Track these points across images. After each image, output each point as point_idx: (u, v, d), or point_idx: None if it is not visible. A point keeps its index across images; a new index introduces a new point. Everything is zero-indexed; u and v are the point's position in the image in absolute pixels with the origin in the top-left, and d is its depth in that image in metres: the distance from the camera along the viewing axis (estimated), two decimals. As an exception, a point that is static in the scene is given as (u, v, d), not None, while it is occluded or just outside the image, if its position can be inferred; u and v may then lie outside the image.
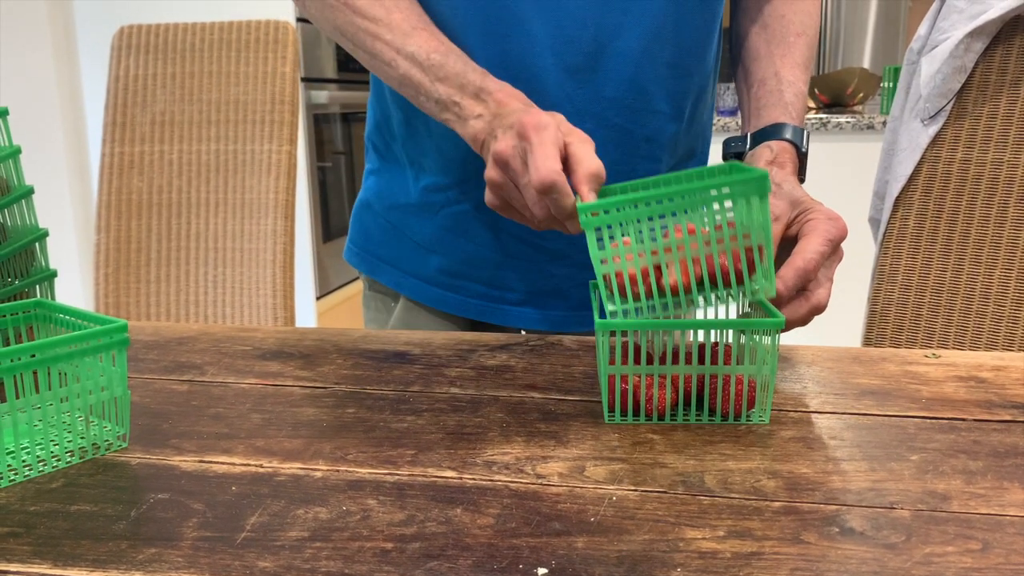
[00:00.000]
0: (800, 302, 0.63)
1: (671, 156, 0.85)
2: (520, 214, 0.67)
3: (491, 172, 0.66)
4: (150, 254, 1.51)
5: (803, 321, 0.64)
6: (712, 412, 0.58)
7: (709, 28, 0.81)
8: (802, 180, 0.79)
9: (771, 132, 0.79)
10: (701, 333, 0.58)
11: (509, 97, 0.68)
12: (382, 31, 0.73)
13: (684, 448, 0.53)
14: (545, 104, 0.74)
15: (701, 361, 0.57)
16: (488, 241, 0.85)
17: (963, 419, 0.57)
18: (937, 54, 1.07)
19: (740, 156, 0.82)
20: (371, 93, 0.92)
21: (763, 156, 0.77)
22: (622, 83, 0.78)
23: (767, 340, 0.56)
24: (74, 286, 2.52)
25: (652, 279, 0.56)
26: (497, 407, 0.60)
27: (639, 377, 0.57)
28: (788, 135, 0.78)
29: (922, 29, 1.10)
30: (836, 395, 0.62)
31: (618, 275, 0.56)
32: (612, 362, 0.56)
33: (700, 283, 0.56)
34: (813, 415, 0.58)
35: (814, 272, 0.63)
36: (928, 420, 0.57)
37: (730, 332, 0.58)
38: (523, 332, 0.89)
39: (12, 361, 0.49)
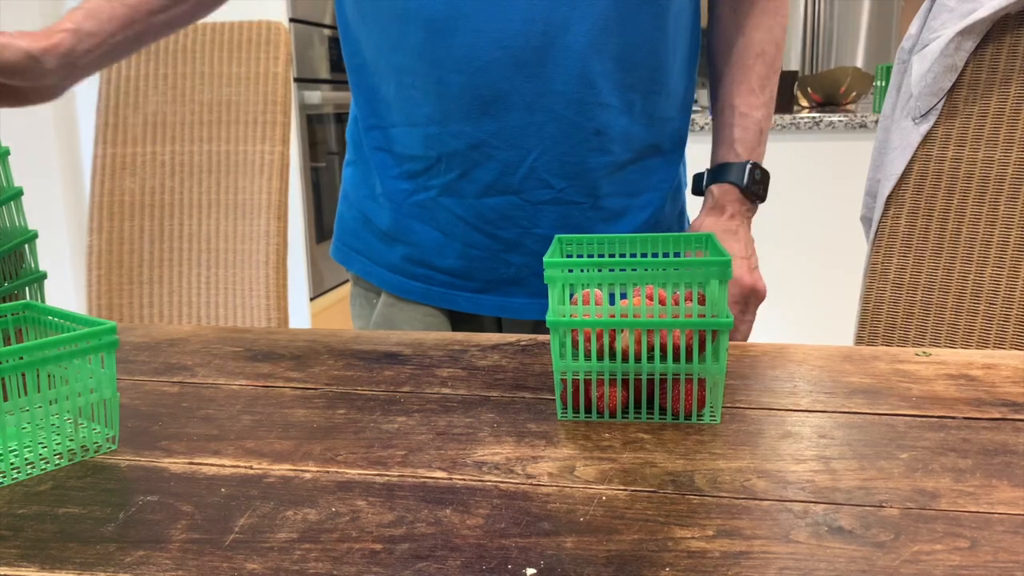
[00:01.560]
0: None
1: (626, 150, 0.85)
2: None
3: None
4: (143, 255, 1.51)
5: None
6: (663, 411, 0.58)
7: (658, 23, 0.82)
8: (762, 199, 0.91)
9: (716, 174, 0.90)
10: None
11: None
12: None
13: (674, 447, 0.53)
14: (495, 97, 0.78)
15: (651, 360, 0.57)
16: (448, 230, 0.87)
17: (953, 417, 0.57)
18: (928, 53, 1.07)
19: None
20: (351, 89, 0.94)
21: (706, 203, 0.90)
22: (570, 76, 0.79)
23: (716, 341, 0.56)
24: (66, 287, 2.51)
25: (606, 340, 0.56)
26: (488, 407, 0.60)
27: (591, 375, 0.57)
28: (731, 177, 0.89)
29: (913, 28, 1.10)
30: (827, 394, 0.62)
31: (573, 331, 0.56)
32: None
33: (651, 351, 0.56)
34: (803, 414, 0.59)
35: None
36: (918, 418, 0.57)
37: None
38: (501, 323, 0.92)
39: (1, 363, 0.48)
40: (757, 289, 0.89)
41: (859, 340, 1.11)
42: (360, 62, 0.88)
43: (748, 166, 0.89)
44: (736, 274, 0.78)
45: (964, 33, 1.03)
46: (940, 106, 1.07)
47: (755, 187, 0.89)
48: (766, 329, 2.39)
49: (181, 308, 1.51)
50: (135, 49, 0.81)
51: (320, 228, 2.71)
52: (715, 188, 0.89)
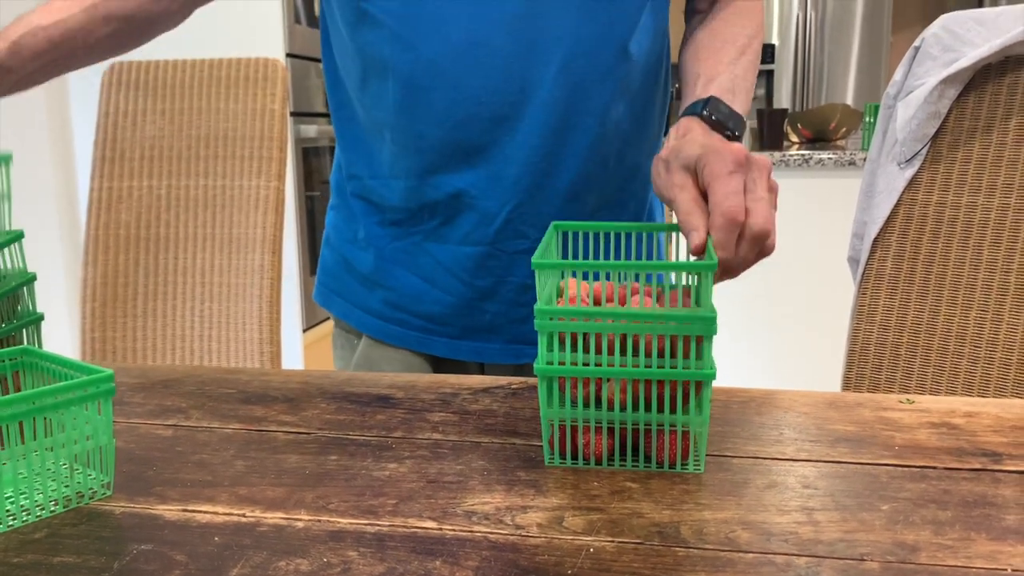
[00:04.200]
0: (741, 243, 0.62)
1: (599, 198, 0.87)
2: None
3: None
4: (137, 288, 1.52)
5: (755, 256, 0.63)
6: (648, 459, 0.59)
7: (632, 79, 0.84)
8: (732, 133, 0.74)
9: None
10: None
11: None
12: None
13: (661, 497, 0.54)
14: (474, 149, 0.81)
15: (636, 408, 0.58)
16: (429, 276, 0.88)
17: (934, 467, 0.58)
18: (912, 99, 1.09)
19: None
20: (336, 135, 0.96)
21: (666, 145, 0.72)
22: (547, 131, 0.81)
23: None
24: (60, 319, 2.51)
25: (592, 388, 0.57)
26: (479, 454, 0.61)
27: (577, 422, 0.58)
28: (687, 112, 0.75)
29: (898, 75, 1.12)
30: (812, 442, 0.63)
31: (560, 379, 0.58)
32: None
33: (636, 402, 0.57)
34: (788, 463, 0.60)
35: (739, 211, 0.61)
36: (900, 468, 0.58)
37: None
38: (484, 367, 0.92)
39: (1, 412, 0.49)
40: (755, 156, 0.67)
41: (846, 380, 1.13)
42: (345, 115, 0.90)
43: (707, 98, 0.75)
44: (718, 147, 0.65)
45: (947, 81, 1.05)
46: (924, 151, 1.09)
47: (719, 116, 0.73)
48: (754, 365, 2.40)
49: (175, 341, 1.51)
50: (66, 71, 0.87)
51: (313, 260, 2.72)
52: (674, 127, 0.75)
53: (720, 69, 0.81)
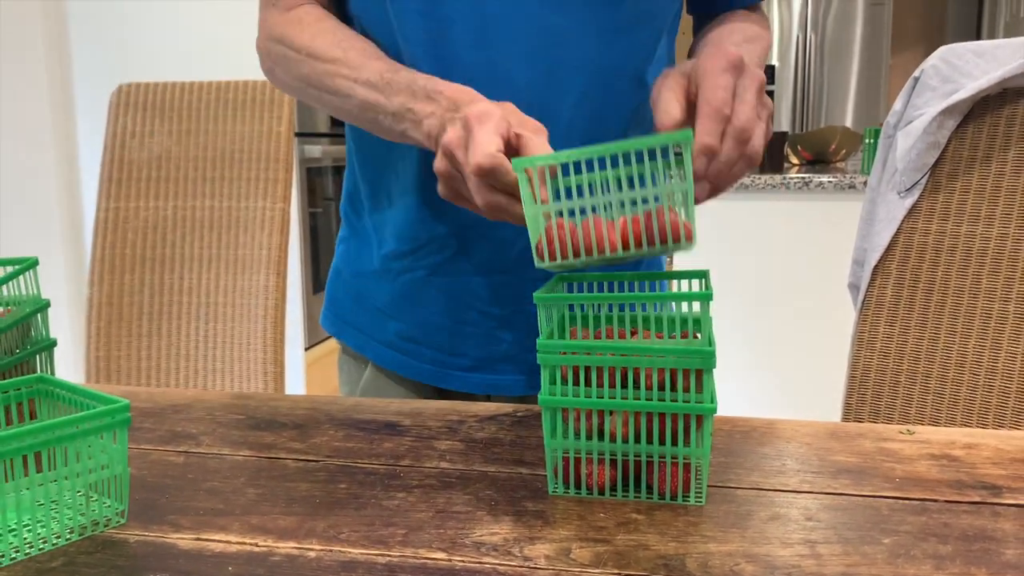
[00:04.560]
0: (725, 139, 0.62)
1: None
2: (470, 203, 0.68)
3: (439, 163, 0.67)
4: (142, 308, 1.53)
5: (738, 156, 0.62)
6: (650, 490, 0.60)
7: (641, 112, 0.85)
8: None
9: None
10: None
11: (460, 92, 0.70)
12: (340, 68, 0.78)
13: (666, 529, 0.55)
14: None
15: (638, 438, 0.59)
16: (441, 308, 0.88)
17: (934, 500, 0.59)
18: (912, 130, 1.11)
19: None
20: (347, 166, 0.97)
21: (661, 76, 0.70)
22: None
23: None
24: (64, 338, 2.52)
25: (595, 421, 0.59)
26: (486, 484, 0.62)
27: (580, 453, 0.59)
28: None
29: (897, 104, 1.14)
30: (814, 473, 0.64)
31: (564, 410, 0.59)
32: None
33: (638, 434, 0.58)
34: (791, 494, 0.61)
35: (726, 104, 0.61)
36: (901, 501, 0.59)
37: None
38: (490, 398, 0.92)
39: (20, 442, 0.50)
40: (750, 66, 0.65)
41: (847, 407, 1.14)
42: (366, 145, 0.91)
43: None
44: (713, 51, 0.64)
45: (946, 112, 1.07)
46: (924, 181, 1.10)
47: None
48: (756, 387, 2.41)
49: (179, 361, 1.52)
50: None
51: (316, 279, 2.73)
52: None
53: (730, 44, 0.82)
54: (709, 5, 0.94)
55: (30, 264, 0.74)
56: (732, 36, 0.85)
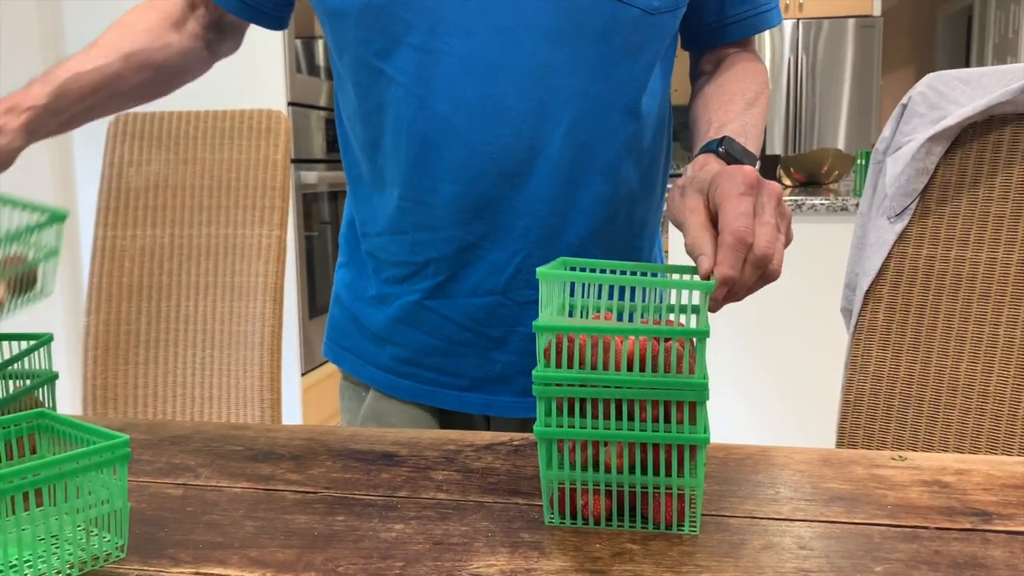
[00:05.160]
0: (745, 265, 0.62)
1: (607, 251, 0.89)
2: None
3: None
4: (139, 336, 1.53)
5: (757, 279, 0.63)
6: (645, 520, 0.60)
7: (638, 138, 0.87)
8: (751, 162, 0.76)
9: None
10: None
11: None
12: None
13: (661, 559, 0.56)
14: (485, 204, 0.83)
15: (633, 469, 0.59)
16: (435, 331, 0.90)
17: (926, 527, 0.60)
18: (900, 156, 1.13)
19: None
20: (347, 194, 0.99)
21: (684, 175, 0.73)
22: (555, 186, 0.84)
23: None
24: (60, 365, 2.53)
25: (590, 452, 0.59)
26: (482, 514, 0.63)
27: (575, 483, 0.60)
28: (703, 150, 0.77)
29: (886, 131, 1.16)
30: (807, 501, 0.65)
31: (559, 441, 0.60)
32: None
33: (633, 465, 0.59)
34: (785, 523, 0.61)
35: (748, 232, 0.62)
36: (893, 528, 0.60)
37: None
38: (489, 419, 0.94)
39: (22, 479, 0.51)
40: (766, 181, 0.67)
41: (841, 431, 1.14)
42: (357, 174, 0.93)
43: (722, 137, 0.76)
44: (731, 172, 0.65)
45: (934, 139, 1.08)
46: (913, 206, 1.12)
47: (734, 152, 0.75)
48: (750, 412, 2.41)
49: (175, 388, 1.53)
50: (99, 116, 0.92)
51: (313, 304, 2.74)
52: (689, 165, 0.75)
53: (731, 117, 0.84)
54: (702, 43, 0.96)
55: (44, 341, 0.75)
56: (733, 103, 0.86)
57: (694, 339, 0.58)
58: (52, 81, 0.84)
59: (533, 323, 0.60)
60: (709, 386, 0.57)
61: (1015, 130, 1.05)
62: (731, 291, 0.64)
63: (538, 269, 0.62)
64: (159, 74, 0.93)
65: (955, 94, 1.11)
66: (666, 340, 0.58)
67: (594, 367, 0.59)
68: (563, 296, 0.66)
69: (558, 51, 0.81)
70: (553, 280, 0.63)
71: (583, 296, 0.68)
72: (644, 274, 0.74)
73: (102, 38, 0.90)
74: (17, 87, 0.84)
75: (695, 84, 0.97)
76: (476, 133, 0.82)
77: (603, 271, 0.69)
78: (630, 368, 0.58)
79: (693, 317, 0.67)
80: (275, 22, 0.95)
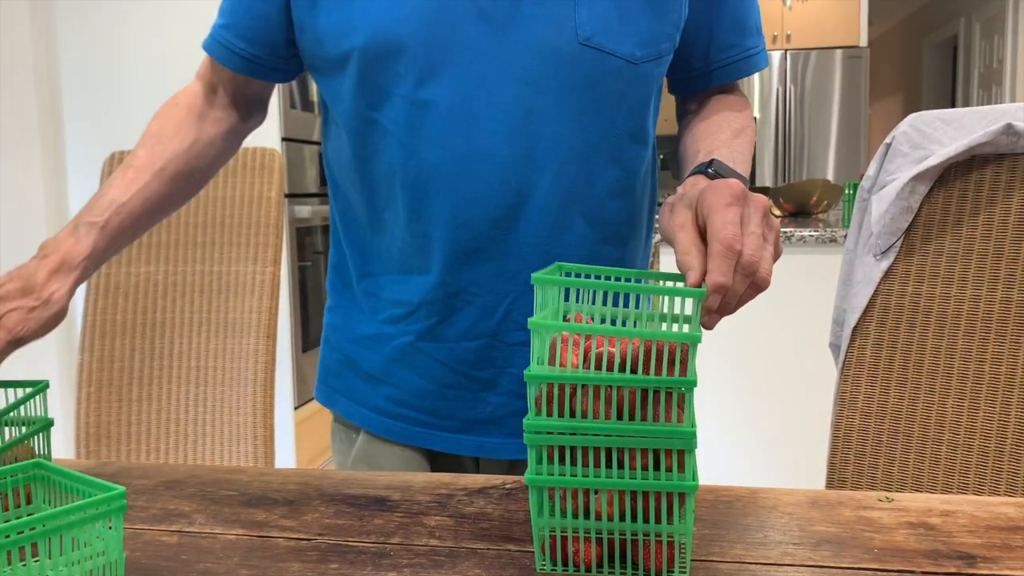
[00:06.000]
0: (734, 274, 0.63)
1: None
2: None
3: None
4: (132, 373, 1.54)
5: (746, 288, 0.64)
6: (636, 567, 0.61)
7: (625, 183, 0.89)
8: (745, 182, 0.78)
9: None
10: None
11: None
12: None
13: (651, 607, 0.56)
14: (474, 249, 0.85)
15: (623, 516, 0.60)
16: (427, 373, 0.91)
17: (911, 572, 0.61)
18: (885, 195, 1.15)
19: None
20: (331, 240, 1.01)
21: (668, 207, 0.73)
22: (541, 231, 0.86)
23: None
24: (53, 403, 2.52)
25: (580, 499, 0.60)
26: (475, 561, 0.63)
27: (567, 531, 0.61)
28: (693, 172, 0.78)
29: (871, 170, 1.18)
30: (795, 544, 0.66)
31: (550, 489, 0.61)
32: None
33: (623, 513, 0.60)
34: (773, 567, 0.62)
35: (736, 239, 0.62)
36: (880, 573, 0.61)
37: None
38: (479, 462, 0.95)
39: (18, 534, 0.51)
40: (753, 194, 0.68)
41: (831, 467, 1.15)
42: (351, 217, 0.94)
43: (711, 160, 0.79)
44: (717, 185, 0.66)
45: (918, 178, 1.10)
46: (898, 244, 1.14)
47: (724, 172, 0.77)
48: (739, 447, 2.42)
49: (169, 425, 1.53)
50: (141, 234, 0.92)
51: (306, 337, 2.75)
52: (680, 187, 0.77)
53: (719, 144, 0.86)
54: (689, 87, 0.98)
55: (41, 388, 0.76)
56: (720, 133, 0.88)
57: (682, 389, 0.59)
58: (97, 223, 0.84)
59: (525, 372, 0.61)
60: (697, 434, 0.58)
61: (996, 170, 1.07)
62: (723, 301, 0.64)
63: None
64: (195, 174, 0.94)
65: (937, 134, 1.13)
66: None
67: (584, 415, 0.60)
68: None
69: (542, 100, 0.83)
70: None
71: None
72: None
73: (135, 158, 0.90)
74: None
75: (681, 122, 0.99)
76: (464, 181, 0.83)
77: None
78: (619, 416, 0.59)
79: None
80: (281, 75, 0.96)
